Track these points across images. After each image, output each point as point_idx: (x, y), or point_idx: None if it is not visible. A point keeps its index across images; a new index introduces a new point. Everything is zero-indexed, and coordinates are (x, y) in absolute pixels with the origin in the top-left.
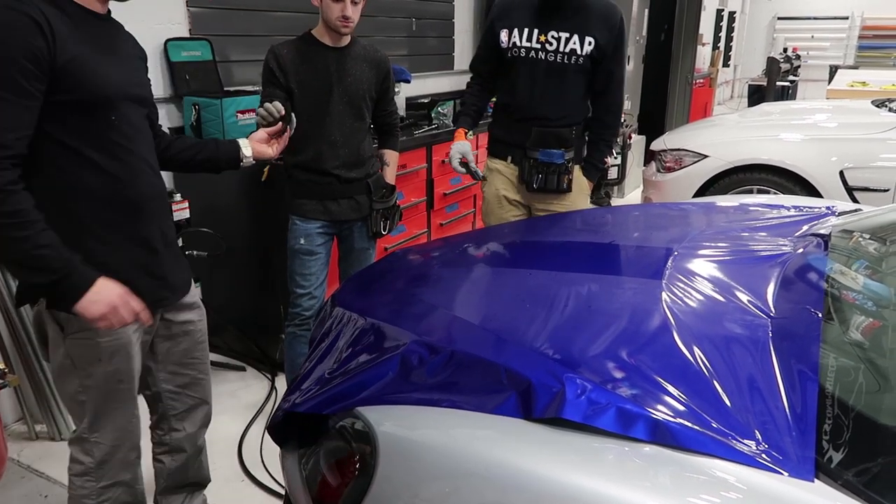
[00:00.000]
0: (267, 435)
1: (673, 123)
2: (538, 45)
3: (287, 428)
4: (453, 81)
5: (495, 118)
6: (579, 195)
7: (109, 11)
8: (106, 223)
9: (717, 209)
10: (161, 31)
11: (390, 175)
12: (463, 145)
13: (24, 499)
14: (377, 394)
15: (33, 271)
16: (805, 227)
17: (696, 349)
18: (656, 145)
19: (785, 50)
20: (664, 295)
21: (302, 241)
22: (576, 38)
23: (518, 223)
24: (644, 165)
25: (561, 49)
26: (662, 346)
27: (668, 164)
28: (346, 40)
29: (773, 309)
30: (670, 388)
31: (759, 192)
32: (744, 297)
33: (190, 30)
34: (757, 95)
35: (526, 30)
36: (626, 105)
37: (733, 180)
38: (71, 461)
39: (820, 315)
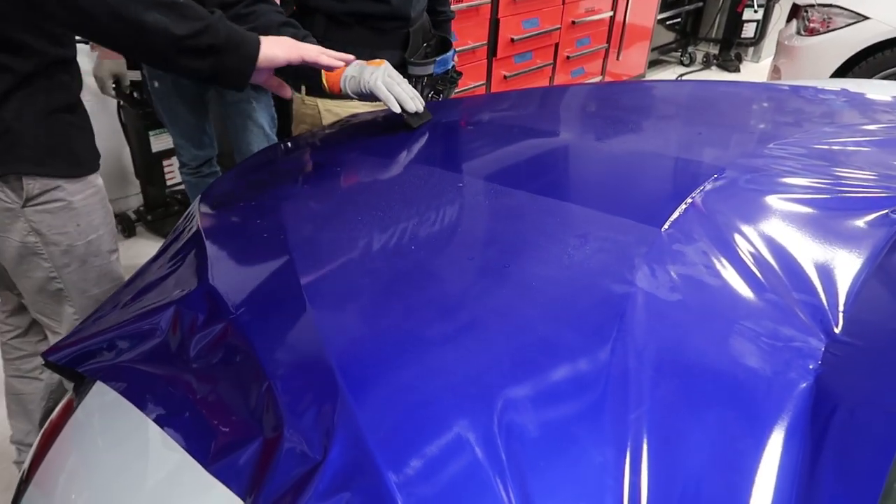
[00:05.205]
0: None
1: None
2: None
3: None
4: None
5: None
6: None
7: None
8: None
9: (853, 102)
10: None
11: None
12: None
13: None
14: (129, 366)
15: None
16: None
17: (648, 401)
18: None
19: None
20: (646, 265)
21: (156, 84)
22: None
23: (527, 92)
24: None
25: None
26: (593, 385)
27: (812, 25)
28: None
29: (840, 319)
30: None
31: None
32: (794, 285)
33: None
34: None
35: None
36: None
37: None
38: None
39: None
